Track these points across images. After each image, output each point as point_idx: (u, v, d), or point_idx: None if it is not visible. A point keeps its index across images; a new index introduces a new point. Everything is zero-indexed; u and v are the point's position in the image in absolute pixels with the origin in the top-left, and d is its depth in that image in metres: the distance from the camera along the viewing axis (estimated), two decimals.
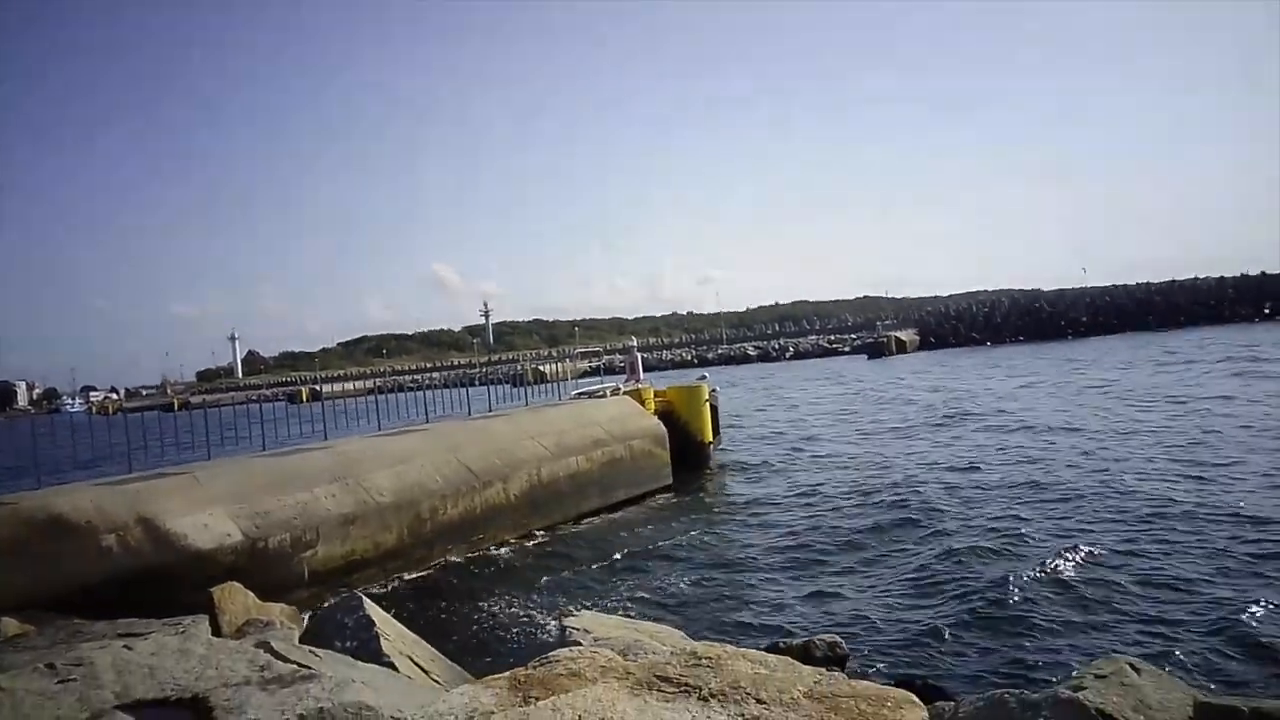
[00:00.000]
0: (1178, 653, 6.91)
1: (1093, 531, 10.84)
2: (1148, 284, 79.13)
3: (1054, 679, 6.51)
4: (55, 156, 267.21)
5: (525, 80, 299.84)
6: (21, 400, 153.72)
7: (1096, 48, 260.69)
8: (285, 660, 4.65)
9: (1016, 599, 8.60)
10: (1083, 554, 9.87)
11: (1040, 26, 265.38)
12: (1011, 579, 9.20)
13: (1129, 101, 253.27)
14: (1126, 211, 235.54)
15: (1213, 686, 6.18)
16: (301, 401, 35.40)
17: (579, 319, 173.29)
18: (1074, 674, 5.70)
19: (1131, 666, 5.22)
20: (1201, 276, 76.91)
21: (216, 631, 6.28)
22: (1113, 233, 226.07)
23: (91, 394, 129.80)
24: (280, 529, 9.92)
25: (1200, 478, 13.28)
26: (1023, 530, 11.16)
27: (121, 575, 8.32)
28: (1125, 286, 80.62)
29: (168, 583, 8.35)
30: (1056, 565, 9.54)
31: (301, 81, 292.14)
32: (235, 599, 6.98)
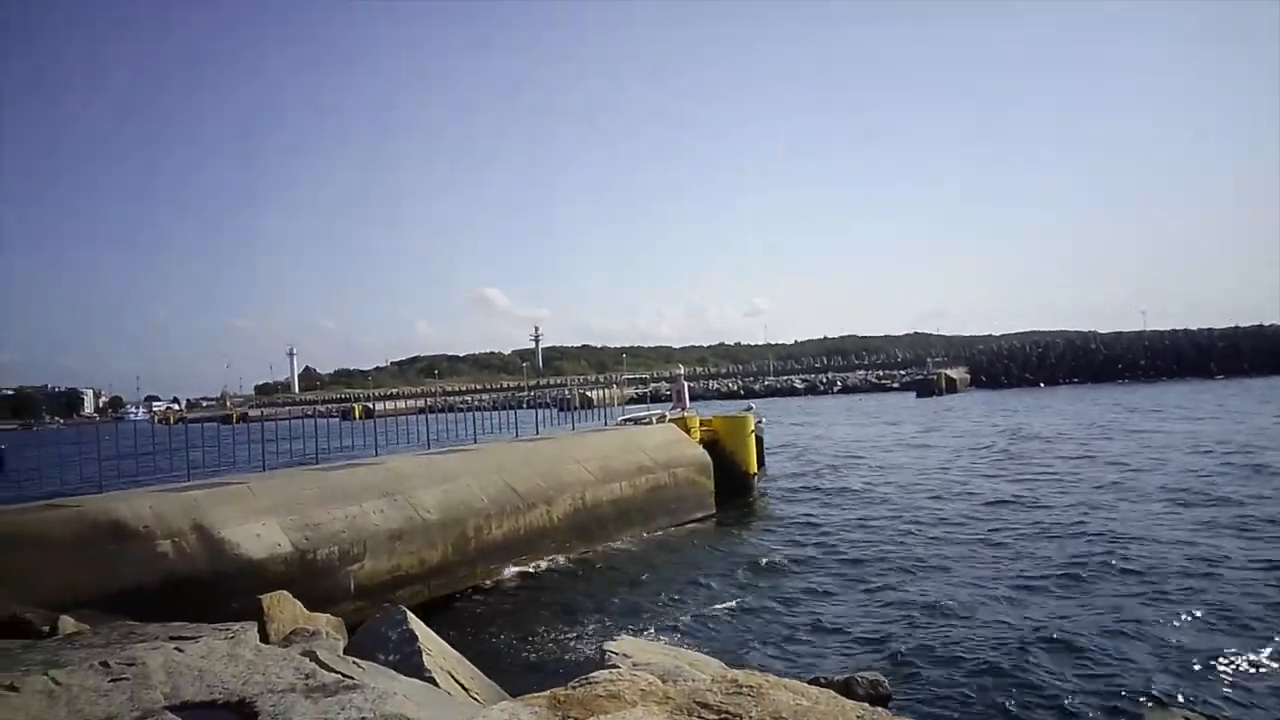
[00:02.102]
0: (1236, 706, 6.62)
1: (1143, 575, 10.49)
2: (1210, 329, 76.90)
3: None
4: (119, 173, 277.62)
5: (577, 108, 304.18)
6: (88, 407, 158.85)
7: (1164, 84, 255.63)
8: (330, 670, 4.72)
9: (1067, 645, 8.34)
10: (1137, 599, 9.57)
11: (1102, 62, 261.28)
12: (1064, 624, 8.95)
13: (1194, 143, 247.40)
14: (1191, 254, 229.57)
15: None
16: (355, 418, 36.04)
17: (626, 346, 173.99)
18: None
19: None
20: (1267, 324, 74.50)
21: (264, 638, 6.38)
22: (1177, 276, 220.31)
23: (154, 404, 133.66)
24: (329, 542, 10.09)
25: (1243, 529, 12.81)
26: (1075, 574, 10.85)
27: (175, 580, 8.53)
28: (1186, 331, 78.43)
29: (219, 589, 8.54)
30: (1111, 612, 9.26)
31: (360, 103, 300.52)
32: (284, 608, 7.09)
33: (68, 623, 6.88)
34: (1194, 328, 78.94)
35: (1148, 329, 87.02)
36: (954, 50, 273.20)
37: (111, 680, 4.45)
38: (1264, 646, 7.93)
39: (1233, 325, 76.36)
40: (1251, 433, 26.26)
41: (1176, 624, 8.76)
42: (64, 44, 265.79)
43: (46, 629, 6.75)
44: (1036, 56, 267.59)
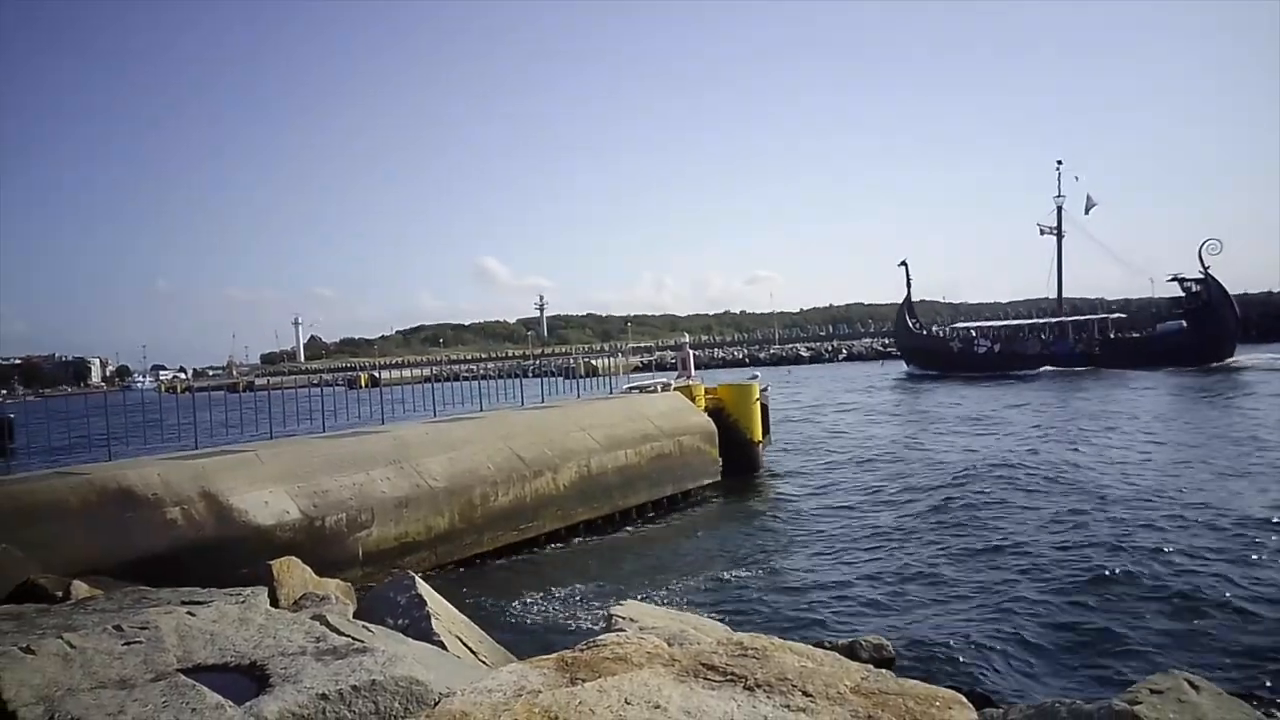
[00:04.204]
0: (1240, 672, 6.68)
1: (1151, 543, 10.54)
2: None
3: (1107, 693, 6.36)
4: (122, 143, 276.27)
5: (577, 77, 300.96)
6: (95, 376, 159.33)
7: (1166, 41, 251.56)
8: (340, 633, 4.77)
9: (1069, 608, 8.42)
10: (1140, 565, 9.62)
11: (1109, 31, 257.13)
12: (1064, 588, 9.02)
13: (1214, 102, 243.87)
14: (1201, 220, 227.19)
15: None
16: (360, 387, 36.03)
17: (631, 315, 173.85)
18: (1129, 688, 5.55)
19: (1190, 683, 5.07)
20: (1277, 290, 73.96)
21: (274, 603, 6.46)
22: (1183, 242, 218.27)
23: (161, 373, 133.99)
24: (337, 509, 10.16)
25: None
26: (1077, 539, 10.91)
27: (185, 546, 8.62)
28: None
29: (227, 555, 8.61)
30: (1111, 576, 9.31)
31: (362, 78, 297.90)
32: (293, 573, 7.17)
33: (80, 588, 6.97)
34: None
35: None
36: (963, 28, 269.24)
37: (125, 644, 4.51)
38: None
39: (1241, 292, 75.93)
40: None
41: (1177, 586, 8.82)
42: (65, 6, 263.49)
43: (60, 594, 6.84)
44: (1045, 32, 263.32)
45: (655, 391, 18.99)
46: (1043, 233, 55.77)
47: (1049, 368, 48.75)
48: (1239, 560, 9.68)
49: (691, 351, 24.35)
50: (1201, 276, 45.59)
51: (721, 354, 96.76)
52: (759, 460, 19.00)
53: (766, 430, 19.89)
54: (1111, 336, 50.99)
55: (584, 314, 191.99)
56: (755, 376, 21.25)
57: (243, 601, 5.77)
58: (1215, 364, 42.97)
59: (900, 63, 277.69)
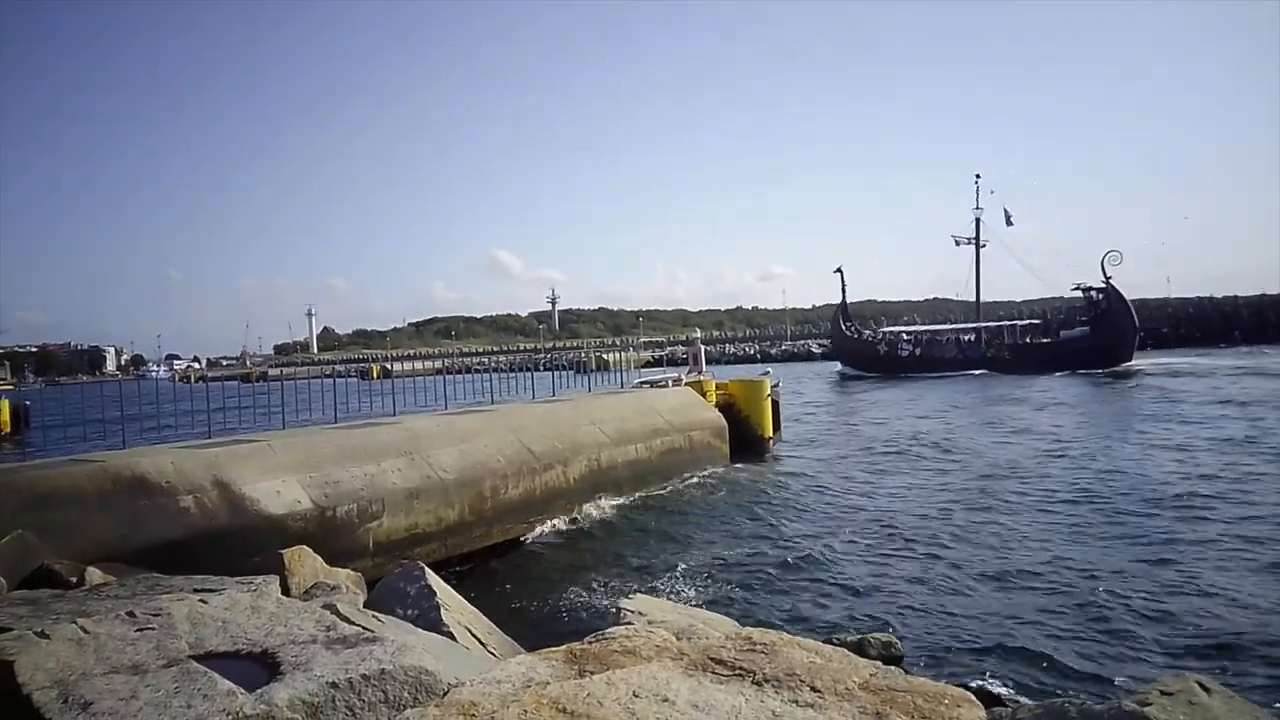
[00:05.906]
0: (1252, 676, 6.63)
1: (1164, 545, 10.47)
2: (1235, 296, 75.85)
3: (1118, 694, 6.33)
4: (137, 135, 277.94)
5: (586, 73, 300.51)
6: (110, 365, 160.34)
7: (1180, 43, 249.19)
8: (350, 623, 4.79)
9: (1079, 608, 8.37)
10: (1155, 567, 9.56)
11: (1123, 24, 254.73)
12: (1077, 589, 8.97)
13: (1219, 103, 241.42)
14: (1219, 220, 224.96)
15: None
16: (373, 378, 36.16)
17: (643, 309, 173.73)
18: (1139, 689, 5.53)
19: (1201, 685, 5.03)
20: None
21: (286, 592, 6.50)
22: (1203, 242, 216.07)
23: (175, 362, 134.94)
24: (348, 499, 10.21)
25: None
26: (1088, 540, 10.85)
27: (197, 534, 8.68)
28: (1211, 299, 77.32)
29: (239, 544, 8.67)
30: (1125, 577, 9.26)
31: (368, 76, 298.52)
32: (305, 562, 7.21)
33: (94, 574, 7.03)
34: (1219, 295, 77.94)
35: (1173, 296, 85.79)
36: (965, 28, 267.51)
37: (138, 630, 4.54)
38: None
39: (1259, 293, 75.32)
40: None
41: (1209, 587, 8.76)
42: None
43: (74, 580, 6.90)
44: (1046, 32, 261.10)
45: (666, 386, 19.00)
46: (958, 244, 56.80)
47: (967, 371, 50.32)
48: (1251, 563, 9.60)
49: (703, 347, 24.36)
50: (1104, 286, 47.39)
51: (733, 349, 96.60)
52: (770, 456, 18.98)
53: (777, 426, 19.86)
54: (1024, 342, 53.16)
55: (596, 308, 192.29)
56: (767, 372, 21.23)
57: (254, 590, 5.81)
58: (1114, 368, 44.79)
59: (903, 63, 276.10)
